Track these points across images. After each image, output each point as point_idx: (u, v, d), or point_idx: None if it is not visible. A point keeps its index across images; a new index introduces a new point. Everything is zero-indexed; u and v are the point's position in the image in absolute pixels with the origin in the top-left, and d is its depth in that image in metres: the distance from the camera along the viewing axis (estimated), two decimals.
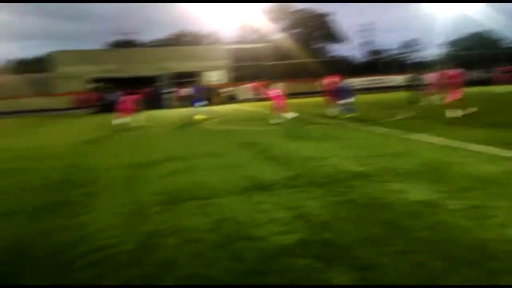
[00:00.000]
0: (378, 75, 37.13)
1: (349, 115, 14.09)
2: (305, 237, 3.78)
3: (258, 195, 5.23)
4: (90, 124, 19.57)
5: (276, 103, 14.53)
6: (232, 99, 31.94)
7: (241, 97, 32.49)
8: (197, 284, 3.12)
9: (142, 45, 53.17)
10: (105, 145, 11.62)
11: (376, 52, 54.40)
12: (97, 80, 31.38)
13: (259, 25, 47.14)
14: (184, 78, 32.42)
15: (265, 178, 6.03)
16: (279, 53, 39.65)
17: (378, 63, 43.81)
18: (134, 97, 16.77)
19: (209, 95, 27.05)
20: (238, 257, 3.46)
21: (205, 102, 19.25)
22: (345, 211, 4.45)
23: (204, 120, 17.29)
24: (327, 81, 15.86)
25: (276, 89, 15.24)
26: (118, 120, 15.68)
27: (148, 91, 30.38)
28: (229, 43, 38.36)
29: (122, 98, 16.62)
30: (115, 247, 3.81)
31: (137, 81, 30.89)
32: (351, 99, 14.84)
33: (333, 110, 15.22)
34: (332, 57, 51.73)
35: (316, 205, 4.69)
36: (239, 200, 5.09)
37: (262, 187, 5.60)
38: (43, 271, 3.43)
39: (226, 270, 3.23)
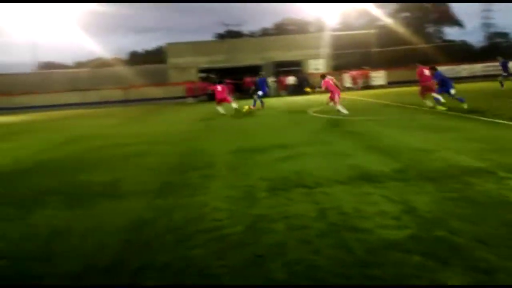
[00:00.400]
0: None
1: (461, 105, 12.91)
2: (416, 233, 3.66)
3: (365, 186, 5.17)
4: (201, 112, 20.90)
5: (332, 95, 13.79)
6: None
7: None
8: (196, 284, 3.15)
9: (247, 35, 54.90)
10: (215, 131, 12.35)
11: (497, 35, 48.88)
12: (206, 71, 33.26)
13: (364, 10, 45.34)
14: (288, 66, 32.75)
15: (372, 169, 5.94)
16: (386, 39, 37.81)
17: (499, 47, 39.29)
18: (230, 86, 17.87)
19: (310, 84, 27.08)
20: (345, 246, 3.49)
21: (308, 90, 19.57)
22: (460, 208, 4.19)
23: (307, 108, 17.40)
24: (421, 70, 14.61)
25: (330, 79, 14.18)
26: (221, 107, 16.64)
27: (253, 80, 31.45)
28: (331, 30, 37.58)
29: (219, 87, 17.44)
30: (227, 228, 4.11)
31: (243, 70, 32.09)
32: (451, 89, 13.40)
33: (427, 101, 14.09)
34: (448, 41, 47.68)
35: (427, 200, 4.49)
36: (346, 190, 5.09)
37: (369, 178, 5.52)
38: (164, 246, 3.83)
39: (333, 259, 3.29)
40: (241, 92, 30.83)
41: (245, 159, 7.43)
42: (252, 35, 56.26)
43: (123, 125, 16.20)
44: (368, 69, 32.97)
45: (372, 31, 37.21)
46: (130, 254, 3.67)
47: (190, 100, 30.76)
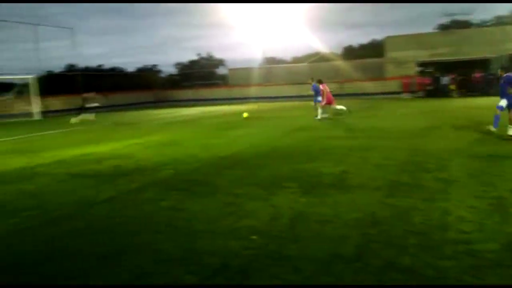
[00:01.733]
0: None
1: None
2: None
3: None
4: (417, 107, 19.62)
5: None
6: None
7: None
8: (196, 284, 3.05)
9: (477, 25, 48.60)
10: (440, 129, 11.33)
11: None
12: (425, 64, 30.97)
13: None
14: None
15: None
16: None
17: None
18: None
19: None
20: None
21: None
22: None
23: None
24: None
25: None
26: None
27: (478, 76, 27.69)
28: None
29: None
30: (479, 243, 3.66)
31: (469, 65, 28.59)
32: None
33: None
34: None
35: None
36: None
37: None
38: (407, 249, 3.64)
39: None
40: (468, 89, 27.53)
41: (485, 166, 6.53)
42: (482, 24, 49.45)
43: (340, 118, 16.56)
44: None
45: None
46: (372, 250, 3.65)
47: (405, 95, 29.27)
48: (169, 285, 3.23)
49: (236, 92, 36.03)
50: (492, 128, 9.74)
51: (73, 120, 20.98)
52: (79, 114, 21.60)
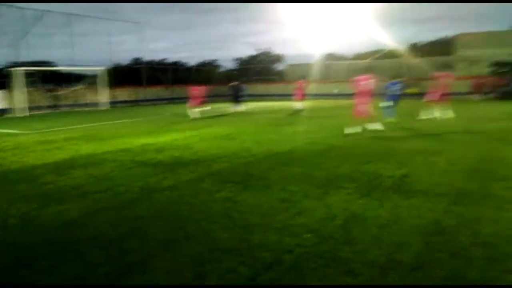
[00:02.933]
0: None
1: None
2: None
3: None
4: (489, 111, 18.36)
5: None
6: None
7: None
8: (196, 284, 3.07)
9: None
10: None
11: None
12: (499, 64, 28.88)
13: None
14: None
15: None
16: None
17: None
18: None
19: None
20: None
21: None
22: None
23: None
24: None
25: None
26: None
27: None
28: None
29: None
30: None
31: None
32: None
33: None
34: None
35: None
36: None
37: None
38: (471, 261, 3.43)
39: None
40: None
41: None
42: None
43: (400, 117, 15.90)
44: None
45: None
46: (433, 259, 3.46)
47: (476, 97, 27.48)
48: (170, 285, 3.24)
49: (293, 88, 35.85)
50: None
51: (193, 113, 18.58)
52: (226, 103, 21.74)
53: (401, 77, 15.32)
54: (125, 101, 30.84)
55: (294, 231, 4.14)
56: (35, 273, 3.43)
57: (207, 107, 20.76)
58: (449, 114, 14.60)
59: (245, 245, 3.82)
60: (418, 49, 46.60)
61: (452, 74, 14.97)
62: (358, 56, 56.78)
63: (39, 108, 25.70)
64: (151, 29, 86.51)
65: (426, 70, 31.21)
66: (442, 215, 4.53)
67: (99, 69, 29.18)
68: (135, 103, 31.59)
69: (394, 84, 14.84)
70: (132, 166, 7.73)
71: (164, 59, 59.02)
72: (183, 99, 34.40)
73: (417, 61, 33.79)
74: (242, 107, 21.84)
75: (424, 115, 15.02)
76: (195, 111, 18.68)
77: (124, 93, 31.41)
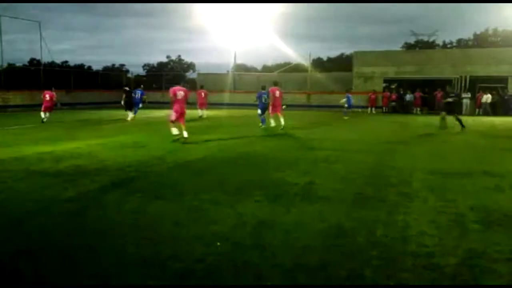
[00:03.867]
0: None
1: None
2: None
3: None
4: (385, 123, 20.20)
5: None
6: None
7: None
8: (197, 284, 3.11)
9: (440, 46, 50.95)
10: (406, 145, 11.70)
11: None
12: (391, 81, 31.99)
13: None
14: (486, 83, 28.99)
15: None
16: None
17: None
18: None
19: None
20: None
21: None
22: None
23: None
24: None
25: None
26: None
27: (440, 95, 28.90)
28: None
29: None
30: (438, 258, 3.78)
31: (431, 83, 29.84)
32: None
33: None
34: None
35: None
36: None
37: None
38: (369, 261, 3.72)
39: None
40: (430, 107, 28.73)
41: (446, 183, 6.78)
42: (446, 46, 51.84)
43: (306, 128, 16.77)
44: None
45: None
46: (335, 261, 3.69)
47: (371, 110, 30.08)
48: (169, 285, 3.20)
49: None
50: None
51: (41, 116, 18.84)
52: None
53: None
54: (19, 106, 28.06)
55: (206, 240, 4.12)
56: None
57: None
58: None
59: (154, 257, 3.71)
60: (320, 64, 49.74)
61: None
62: (267, 68, 58.72)
63: None
64: (52, 29, 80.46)
65: (328, 84, 33.43)
66: (343, 219, 4.85)
67: None
68: (30, 107, 28.92)
69: (263, 94, 16.47)
70: (26, 177, 7.05)
71: (66, 62, 54.99)
72: (87, 105, 32.44)
73: (320, 75, 36.01)
74: (130, 115, 19.89)
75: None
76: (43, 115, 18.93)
77: (17, 97, 28.59)
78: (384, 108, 30.52)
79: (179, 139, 11.61)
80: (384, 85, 31.89)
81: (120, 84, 36.87)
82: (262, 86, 17.11)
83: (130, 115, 19.94)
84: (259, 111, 16.50)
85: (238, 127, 17.26)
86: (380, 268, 3.55)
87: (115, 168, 7.84)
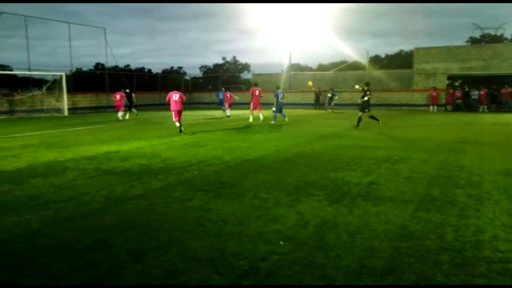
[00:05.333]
0: None
1: None
2: None
3: None
4: (453, 122, 19.22)
5: None
6: None
7: None
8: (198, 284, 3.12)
9: (508, 40, 47.63)
10: (473, 145, 11.05)
11: None
12: (454, 77, 30.39)
13: None
14: None
15: None
16: None
17: None
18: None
19: None
20: None
21: None
22: None
23: None
24: None
25: None
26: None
27: (507, 92, 26.99)
28: None
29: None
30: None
31: (499, 80, 27.98)
32: None
33: None
34: None
35: None
36: None
37: None
38: (438, 265, 3.55)
39: None
40: (498, 104, 26.94)
41: None
42: None
43: (364, 128, 16.36)
44: None
45: None
46: (403, 264, 3.55)
47: (433, 108, 28.74)
48: (169, 285, 3.23)
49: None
50: None
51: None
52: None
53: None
54: (86, 108, 29.92)
55: (268, 239, 4.13)
56: None
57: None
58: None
59: (219, 254, 3.78)
60: (378, 61, 48.26)
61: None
62: (322, 67, 58.03)
63: None
64: (114, 34, 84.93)
65: (386, 82, 32.37)
66: (409, 221, 4.67)
67: (58, 73, 28.18)
68: (96, 109, 30.70)
69: (280, 93, 18.81)
70: (96, 175, 7.48)
71: (128, 65, 57.82)
72: (148, 106, 33.88)
73: (378, 73, 34.95)
74: (126, 115, 22.18)
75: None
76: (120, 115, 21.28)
77: (85, 99, 30.48)
78: (447, 106, 29.04)
79: (182, 130, 14.39)
80: (447, 82, 30.35)
81: (178, 86, 38.18)
82: (277, 86, 19.72)
83: (127, 115, 22.34)
84: (273, 109, 18.67)
85: (294, 126, 17.20)
86: (452, 273, 3.37)
87: (177, 166, 8.11)
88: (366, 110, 16.21)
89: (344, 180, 6.79)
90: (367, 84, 16.36)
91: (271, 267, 3.50)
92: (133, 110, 23.92)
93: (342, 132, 14.59)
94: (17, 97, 26.76)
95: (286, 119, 18.74)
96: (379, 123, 16.12)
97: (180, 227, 4.54)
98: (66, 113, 27.15)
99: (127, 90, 22.94)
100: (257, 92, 19.47)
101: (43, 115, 26.46)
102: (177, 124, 14.66)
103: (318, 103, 32.59)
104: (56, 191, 6.24)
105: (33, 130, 16.65)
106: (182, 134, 14.12)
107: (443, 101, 29.22)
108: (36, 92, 28.08)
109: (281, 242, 4.04)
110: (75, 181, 6.97)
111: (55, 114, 26.60)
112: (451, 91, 29.26)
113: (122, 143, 12.01)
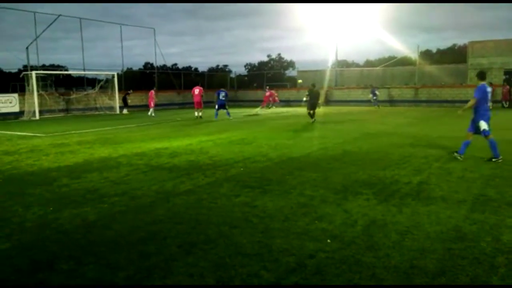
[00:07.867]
0: None
1: None
2: None
3: None
4: (509, 119, 18.17)
5: None
6: None
7: None
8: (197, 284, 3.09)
9: None
10: None
11: None
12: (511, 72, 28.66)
13: None
14: None
15: None
16: None
17: None
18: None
19: None
20: None
21: None
22: None
23: None
24: None
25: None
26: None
27: None
28: None
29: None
30: None
31: None
32: None
33: None
34: None
35: None
36: None
37: None
38: (493, 268, 3.41)
39: None
40: None
41: None
42: None
43: (414, 125, 15.84)
44: None
45: None
46: (457, 266, 3.44)
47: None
48: (169, 285, 3.27)
49: (304, 94, 35.86)
50: None
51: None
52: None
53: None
54: (137, 106, 31.05)
55: (315, 236, 4.13)
56: (55, 276, 3.43)
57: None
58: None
59: (267, 249, 3.83)
60: (430, 56, 46.41)
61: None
62: (369, 63, 56.67)
63: (51, 111, 25.97)
64: (163, 35, 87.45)
65: (438, 77, 31.05)
66: (462, 222, 4.50)
67: (111, 73, 29.44)
68: (146, 107, 31.79)
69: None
70: (147, 170, 7.77)
71: (175, 64, 59.40)
72: (191, 104, 34.56)
73: (430, 68, 33.62)
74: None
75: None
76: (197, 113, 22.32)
77: (135, 98, 31.64)
78: (504, 102, 27.43)
79: (201, 116, 20.14)
80: (504, 77, 28.67)
81: (223, 84, 38.73)
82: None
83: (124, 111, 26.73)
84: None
85: (341, 123, 16.96)
86: (510, 276, 3.22)
87: (224, 163, 8.26)
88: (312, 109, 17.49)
89: (393, 178, 6.63)
90: (313, 85, 18.28)
91: (319, 264, 3.50)
92: (125, 110, 27.28)
93: (391, 130, 14.20)
94: (72, 96, 28.25)
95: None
96: (311, 122, 17.14)
97: (227, 222, 4.64)
98: (117, 111, 28.33)
99: (129, 91, 24.19)
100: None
101: (96, 113, 27.76)
102: (196, 113, 20.29)
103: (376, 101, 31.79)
104: (110, 186, 6.55)
105: (88, 127, 17.53)
106: (197, 118, 19.43)
107: (498, 97, 27.63)
108: (90, 91, 29.49)
109: (329, 240, 4.02)
110: (127, 176, 7.28)
111: (107, 112, 27.83)
112: (508, 86, 27.60)
113: (171, 140, 12.38)
